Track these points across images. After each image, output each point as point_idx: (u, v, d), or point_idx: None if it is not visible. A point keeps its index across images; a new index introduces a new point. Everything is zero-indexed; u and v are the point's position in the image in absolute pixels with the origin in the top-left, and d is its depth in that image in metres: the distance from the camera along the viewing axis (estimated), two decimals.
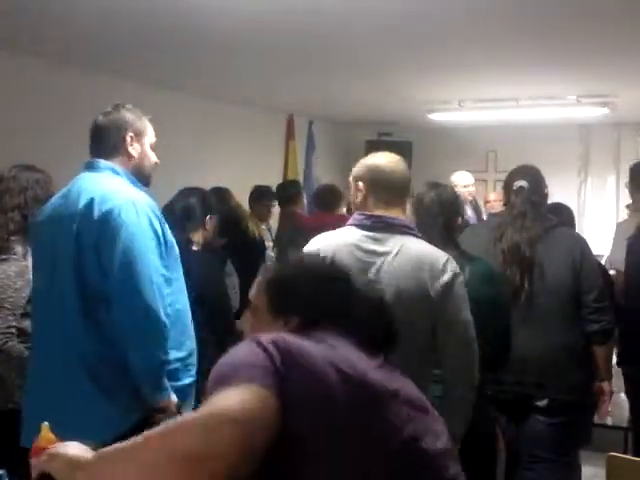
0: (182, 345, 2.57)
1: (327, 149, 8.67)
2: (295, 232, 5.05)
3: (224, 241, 4.14)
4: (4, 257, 3.00)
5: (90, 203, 2.39)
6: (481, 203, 7.12)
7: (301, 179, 7.86)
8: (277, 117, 7.84)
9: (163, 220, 2.52)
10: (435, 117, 7.34)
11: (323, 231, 2.61)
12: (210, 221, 3.61)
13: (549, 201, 3.56)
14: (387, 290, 2.34)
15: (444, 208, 2.96)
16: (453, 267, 2.46)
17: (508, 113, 7.11)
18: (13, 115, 4.78)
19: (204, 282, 3.26)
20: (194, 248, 3.51)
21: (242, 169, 6.82)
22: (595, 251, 3.57)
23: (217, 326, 3.31)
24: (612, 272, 4.31)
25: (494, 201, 6.65)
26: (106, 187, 2.44)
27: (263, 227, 5.83)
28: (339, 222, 2.76)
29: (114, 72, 5.46)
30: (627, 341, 3.71)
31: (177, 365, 2.54)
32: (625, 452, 4.21)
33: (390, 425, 1.37)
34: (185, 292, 2.62)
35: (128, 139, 2.55)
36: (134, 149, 2.56)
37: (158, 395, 2.44)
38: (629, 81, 5.75)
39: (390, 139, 8.31)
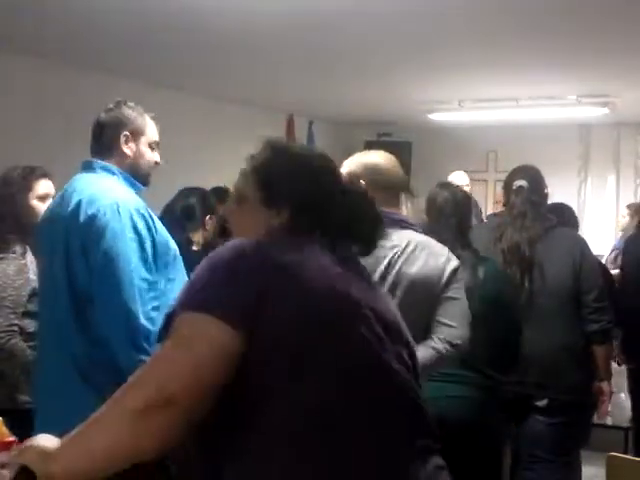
0: None
1: (327, 149, 8.34)
2: None
3: (224, 241, 4.13)
4: (2, 256, 3.01)
5: (78, 205, 2.38)
6: (481, 203, 7.12)
7: None
8: (277, 117, 7.83)
9: (154, 222, 2.44)
10: (435, 117, 7.33)
11: None
12: (210, 221, 3.62)
13: (549, 201, 3.56)
14: (402, 281, 2.34)
15: (458, 208, 2.96)
16: (454, 257, 2.48)
17: (508, 113, 7.11)
18: (13, 115, 4.78)
19: None
20: (194, 248, 3.51)
21: None
22: (595, 251, 3.57)
23: None
24: (614, 272, 4.32)
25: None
26: (95, 189, 2.42)
27: None
28: None
29: (114, 71, 5.46)
30: (628, 341, 3.71)
31: None
32: (625, 452, 4.21)
33: (358, 342, 1.34)
34: None
35: (123, 138, 2.52)
36: (129, 148, 2.53)
37: None
38: (629, 81, 5.75)
39: (390, 139, 8.29)
